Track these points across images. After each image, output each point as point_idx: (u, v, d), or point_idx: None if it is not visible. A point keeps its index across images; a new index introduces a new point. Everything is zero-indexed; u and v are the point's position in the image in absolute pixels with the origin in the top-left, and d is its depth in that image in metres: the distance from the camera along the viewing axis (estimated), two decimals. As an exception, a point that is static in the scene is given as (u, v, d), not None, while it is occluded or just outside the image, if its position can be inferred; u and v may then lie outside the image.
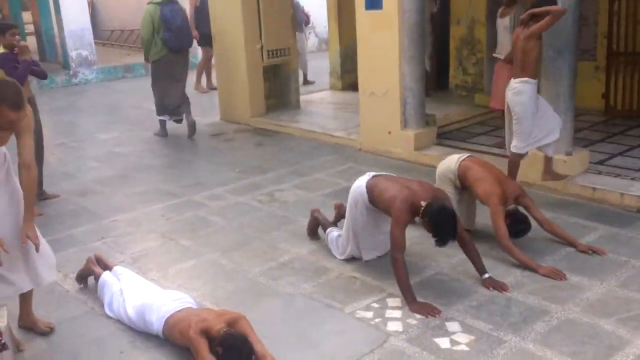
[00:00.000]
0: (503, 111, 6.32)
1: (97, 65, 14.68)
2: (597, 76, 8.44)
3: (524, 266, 4.47)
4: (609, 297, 4.08)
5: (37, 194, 6.09)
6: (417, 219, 4.26)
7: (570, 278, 4.33)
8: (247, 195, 6.32)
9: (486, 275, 4.32)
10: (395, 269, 4.11)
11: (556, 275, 4.34)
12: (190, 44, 8.77)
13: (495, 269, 4.49)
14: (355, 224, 4.66)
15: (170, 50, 8.43)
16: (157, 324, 3.78)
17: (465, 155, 5.05)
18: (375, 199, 4.47)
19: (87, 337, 3.90)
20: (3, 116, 3.25)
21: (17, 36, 5.82)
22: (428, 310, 3.98)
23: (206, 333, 3.47)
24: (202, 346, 3.42)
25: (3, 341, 2.95)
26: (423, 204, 4.10)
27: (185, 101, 8.70)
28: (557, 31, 5.69)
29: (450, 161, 5.05)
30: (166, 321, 3.73)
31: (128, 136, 9.18)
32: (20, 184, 3.57)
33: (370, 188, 4.52)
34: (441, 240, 4.07)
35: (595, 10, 8.32)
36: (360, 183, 4.60)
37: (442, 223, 4.02)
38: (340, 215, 5.10)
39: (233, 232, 5.45)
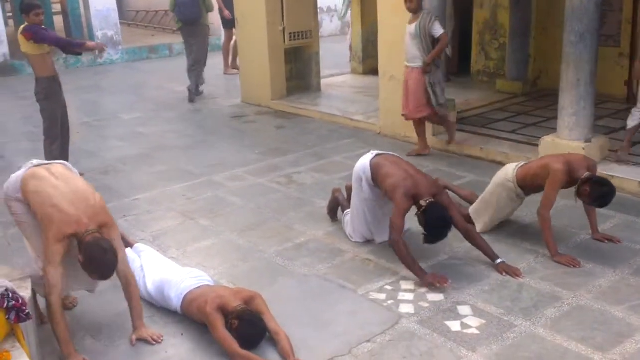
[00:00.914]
0: (416, 120, 6.67)
1: (122, 45, 14.81)
2: (621, 63, 8.34)
3: (545, 243, 4.47)
4: (621, 284, 4.10)
5: None
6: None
7: (584, 265, 4.35)
8: (265, 177, 6.41)
9: (499, 261, 4.37)
10: (397, 251, 4.22)
11: (570, 263, 4.35)
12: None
13: (507, 255, 4.53)
14: (362, 203, 4.75)
15: (181, 21, 9.81)
16: (175, 300, 3.89)
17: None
18: (378, 180, 4.57)
19: (109, 311, 4.04)
20: (91, 277, 3.53)
21: (41, 17, 5.92)
22: (438, 280, 4.11)
23: (222, 309, 3.57)
24: (218, 322, 3.52)
25: (27, 311, 3.06)
26: (424, 202, 4.20)
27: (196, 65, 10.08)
28: (579, 15, 5.65)
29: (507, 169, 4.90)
30: (184, 297, 3.84)
31: (151, 116, 9.31)
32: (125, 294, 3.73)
33: (374, 167, 4.61)
34: (430, 241, 4.26)
35: (621, -4, 8.21)
36: (365, 161, 4.70)
37: (438, 229, 4.18)
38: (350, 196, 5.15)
39: (251, 212, 5.55)
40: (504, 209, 4.84)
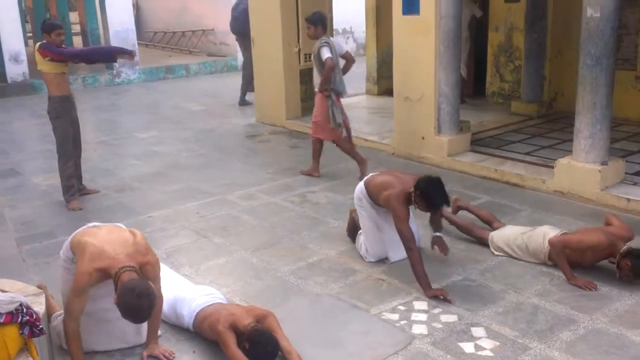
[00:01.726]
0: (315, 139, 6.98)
1: (140, 65, 15.01)
2: (637, 86, 8.31)
3: (561, 270, 4.42)
4: (638, 308, 4.05)
5: (77, 189, 6.31)
6: (412, 206, 4.46)
7: (600, 288, 4.30)
8: (279, 196, 6.42)
9: (437, 234, 4.63)
10: (412, 260, 4.34)
11: (587, 286, 4.30)
12: (244, 30, 10.46)
13: (523, 277, 4.50)
14: (370, 222, 4.81)
15: (233, 33, 11.50)
16: (187, 317, 3.89)
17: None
18: (373, 196, 4.72)
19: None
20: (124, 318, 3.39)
21: (62, 36, 6.00)
22: (442, 293, 4.22)
23: (234, 327, 3.56)
24: (230, 340, 3.51)
25: (41, 326, 3.08)
26: (411, 190, 4.38)
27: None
28: (595, 39, 5.65)
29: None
30: (197, 315, 3.84)
31: (167, 135, 9.39)
32: None
33: (367, 184, 4.80)
34: (435, 207, 4.41)
35: (637, 19, 8.20)
36: (360, 182, 4.92)
37: (432, 190, 4.30)
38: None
39: (264, 231, 5.55)
40: (522, 258, 4.79)
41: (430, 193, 4.30)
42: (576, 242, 4.40)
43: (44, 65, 6.00)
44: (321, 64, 6.68)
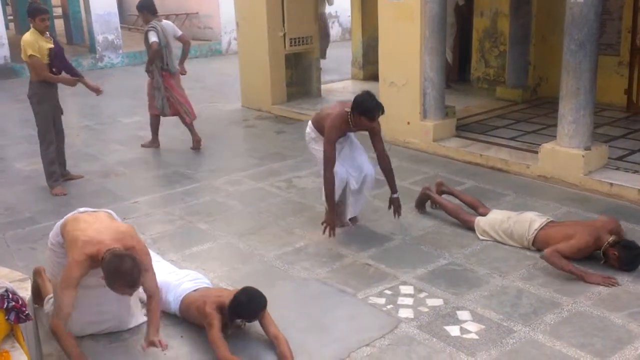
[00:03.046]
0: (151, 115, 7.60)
1: (123, 49, 14.84)
2: (620, 71, 8.36)
3: (569, 274, 4.28)
4: (620, 291, 4.11)
5: (60, 174, 6.25)
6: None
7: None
8: (265, 181, 6.41)
9: (395, 195, 4.89)
10: (326, 184, 4.78)
11: (607, 282, 4.20)
12: None
13: (507, 261, 4.54)
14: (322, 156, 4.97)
15: None
16: (174, 303, 3.89)
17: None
18: (319, 127, 4.96)
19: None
20: (120, 291, 3.36)
21: (46, 22, 5.91)
22: (332, 222, 4.77)
23: (221, 308, 3.57)
24: (216, 321, 3.53)
25: (27, 312, 3.06)
26: (347, 109, 4.68)
27: None
28: (579, 24, 5.68)
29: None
30: (182, 300, 3.84)
31: (151, 120, 9.29)
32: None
33: (313, 120, 5.06)
34: (370, 114, 4.63)
35: (620, 4, 8.24)
36: (308, 121, 5.19)
37: (366, 102, 4.61)
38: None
39: (250, 216, 5.55)
40: (507, 242, 4.82)
41: (363, 103, 4.60)
42: (569, 250, 4.33)
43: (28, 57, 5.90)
44: (149, 46, 7.29)
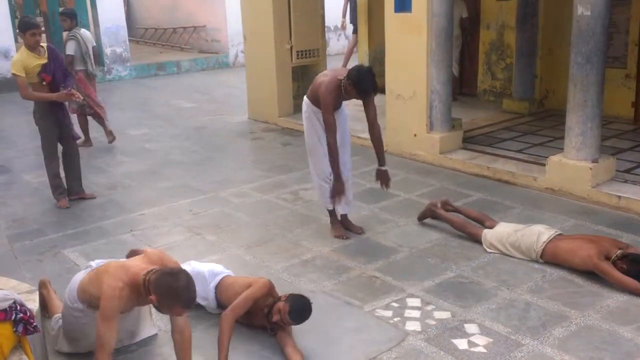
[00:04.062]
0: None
1: (131, 62, 14.94)
2: (627, 84, 8.36)
3: (627, 291, 4.22)
4: (629, 304, 4.08)
5: (64, 188, 6.21)
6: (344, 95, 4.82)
7: (592, 285, 4.33)
8: (272, 193, 6.42)
9: (383, 168, 4.93)
10: (330, 151, 4.83)
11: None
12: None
13: (514, 273, 4.53)
14: (313, 137, 5.08)
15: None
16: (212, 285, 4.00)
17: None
18: (313, 99, 4.95)
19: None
20: (174, 312, 3.11)
21: (36, 37, 5.78)
22: (340, 190, 4.85)
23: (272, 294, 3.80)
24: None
25: (35, 324, 3.07)
26: (340, 77, 4.66)
27: None
28: (585, 37, 5.68)
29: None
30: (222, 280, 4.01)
31: (158, 132, 9.36)
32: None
33: (308, 95, 5.04)
34: (366, 92, 4.70)
35: (626, 17, 8.25)
36: (304, 98, 5.14)
37: (361, 77, 4.62)
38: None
39: (257, 228, 5.55)
40: (515, 255, 4.80)
41: (360, 79, 4.61)
42: (597, 253, 4.34)
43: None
44: (65, 55, 7.85)
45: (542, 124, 8.43)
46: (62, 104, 6.10)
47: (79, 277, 3.51)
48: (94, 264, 3.58)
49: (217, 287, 4.01)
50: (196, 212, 5.97)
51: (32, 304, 3.32)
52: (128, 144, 8.80)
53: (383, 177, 5.03)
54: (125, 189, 6.80)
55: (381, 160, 5.04)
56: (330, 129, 4.80)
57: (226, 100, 11.71)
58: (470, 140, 7.60)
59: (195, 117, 10.31)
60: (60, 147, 6.27)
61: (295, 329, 3.88)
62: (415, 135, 7.34)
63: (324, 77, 4.92)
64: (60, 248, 5.24)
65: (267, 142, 8.67)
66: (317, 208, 5.95)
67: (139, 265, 3.15)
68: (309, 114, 5.08)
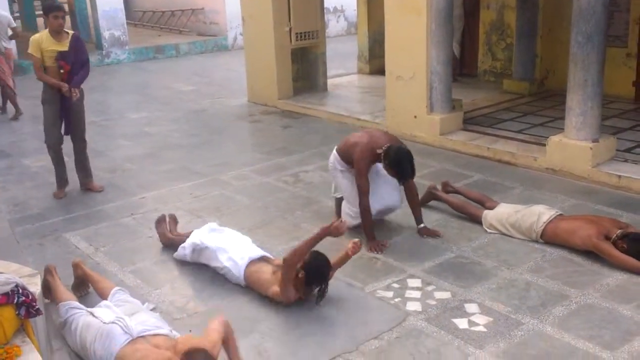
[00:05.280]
0: None
1: (129, 45, 14.87)
2: (628, 63, 8.32)
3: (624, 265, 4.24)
4: (629, 283, 4.09)
5: (65, 180, 6.10)
6: (378, 163, 4.73)
7: (592, 265, 4.34)
8: (272, 176, 6.42)
9: (421, 225, 4.84)
10: (363, 215, 4.73)
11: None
12: None
13: (515, 253, 4.54)
14: (349, 183, 4.94)
15: None
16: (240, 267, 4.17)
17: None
18: (345, 158, 4.89)
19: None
20: None
21: (59, 20, 5.65)
22: (377, 247, 4.62)
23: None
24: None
25: (37, 306, 3.08)
26: (379, 151, 4.58)
27: None
28: (586, 16, 5.65)
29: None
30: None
31: (158, 116, 9.34)
32: None
33: (339, 150, 4.99)
34: (403, 179, 4.67)
35: (628, -4, 8.20)
36: (333, 151, 5.12)
37: (400, 162, 4.56)
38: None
39: (258, 211, 5.56)
40: (515, 235, 4.82)
41: (399, 165, 4.55)
42: (597, 233, 4.35)
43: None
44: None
45: (543, 104, 8.41)
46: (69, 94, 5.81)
47: (117, 343, 3.30)
48: (136, 333, 3.34)
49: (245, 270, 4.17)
50: (196, 195, 5.98)
51: (34, 287, 3.33)
52: (127, 127, 8.79)
53: (427, 232, 4.87)
54: (126, 173, 6.80)
55: (418, 220, 4.91)
56: (362, 191, 4.69)
57: (225, 83, 11.67)
58: (471, 121, 7.59)
59: (195, 100, 10.29)
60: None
61: (297, 310, 3.90)
62: (415, 116, 7.32)
63: (359, 139, 4.80)
64: (61, 232, 5.25)
65: (266, 124, 8.65)
66: (317, 190, 5.96)
67: (174, 347, 3.13)
68: (341, 170, 4.98)
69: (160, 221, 4.94)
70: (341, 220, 4.16)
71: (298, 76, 9.77)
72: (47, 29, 5.77)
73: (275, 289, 3.95)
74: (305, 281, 3.86)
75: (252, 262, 4.20)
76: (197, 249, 4.49)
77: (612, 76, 7.63)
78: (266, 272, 4.10)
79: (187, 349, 3.02)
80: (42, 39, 5.74)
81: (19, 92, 9.73)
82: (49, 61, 5.74)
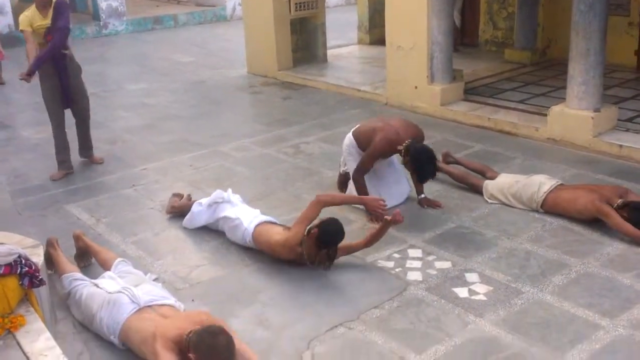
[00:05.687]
0: None
1: (127, 16, 14.71)
2: (631, 32, 8.25)
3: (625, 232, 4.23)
4: (629, 252, 4.11)
5: (69, 163, 5.94)
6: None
7: (592, 234, 4.36)
8: (272, 147, 6.41)
9: (422, 196, 4.85)
10: (355, 184, 4.72)
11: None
12: None
13: (516, 223, 4.55)
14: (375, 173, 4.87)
15: None
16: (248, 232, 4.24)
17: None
18: (363, 144, 4.81)
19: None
20: None
21: None
22: (375, 204, 4.31)
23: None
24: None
25: (40, 277, 3.10)
26: (400, 147, 4.53)
27: None
28: (589, -16, 5.59)
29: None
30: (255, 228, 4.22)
31: (157, 87, 9.28)
32: None
33: (356, 134, 4.89)
34: (423, 179, 4.68)
35: (632, -37, 8.09)
36: (349, 133, 4.97)
37: (422, 164, 4.50)
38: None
39: (258, 182, 5.56)
40: (515, 206, 4.81)
41: (422, 166, 4.50)
42: (599, 198, 4.35)
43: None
44: None
45: (544, 73, 8.36)
46: (65, 67, 5.67)
47: (124, 311, 3.31)
48: (143, 302, 3.36)
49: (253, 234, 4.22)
50: (197, 167, 5.97)
51: (37, 257, 3.36)
52: (126, 98, 8.74)
53: (428, 202, 4.86)
54: (125, 144, 6.78)
55: (419, 191, 4.91)
56: (361, 169, 4.70)
57: (224, 54, 11.57)
58: (472, 92, 7.55)
59: (194, 71, 10.22)
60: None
61: (299, 280, 3.93)
62: (416, 87, 7.28)
63: (381, 123, 4.73)
64: (62, 203, 5.26)
65: (266, 96, 8.61)
66: (318, 161, 5.96)
67: (184, 327, 3.05)
68: (352, 155, 4.91)
69: (175, 195, 5.02)
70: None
71: (297, 47, 9.68)
72: (34, 4, 5.57)
73: (282, 236, 4.03)
74: (316, 239, 3.87)
75: (263, 223, 4.28)
76: (215, 204, 4.54)
77: (614, 45, 7.57)
78: (276, 230, 4.17)
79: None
80: (31, 15, 5.54)
81: (17, 63, 9.66)
82: (39, 38, 5.56)
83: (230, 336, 2.94)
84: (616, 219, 4.25)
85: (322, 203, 4.07)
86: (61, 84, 5.72)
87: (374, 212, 4.13)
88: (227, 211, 4.45)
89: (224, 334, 2.91)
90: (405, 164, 4.60)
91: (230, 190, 4.66)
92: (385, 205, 4.18)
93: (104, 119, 7.70)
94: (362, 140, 4.81)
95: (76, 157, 6.15)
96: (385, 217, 4.05)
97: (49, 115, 5.89)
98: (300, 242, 3.93)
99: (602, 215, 4.31)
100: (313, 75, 9.02)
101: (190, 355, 2.89)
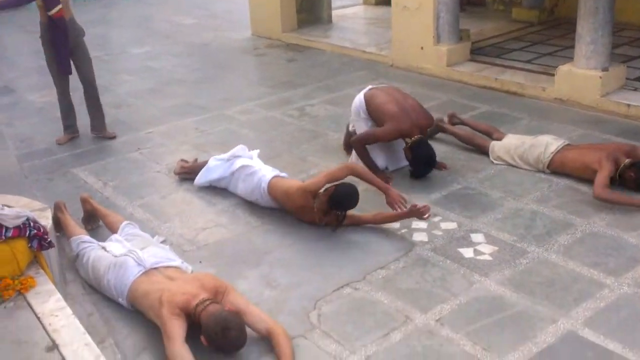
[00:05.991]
0: None
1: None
2: (641, -11, 8.11)
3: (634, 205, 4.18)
4: (635, 211, 4.10)
5: (75, 128, 5.91)
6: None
7: (598, 193, 4.35)
8: (277, 110, 6.38)
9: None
10: (356, 150, 4.74)
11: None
12: None
13: (522, 184, 4.55)
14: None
15: None
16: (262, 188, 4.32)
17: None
18: (371, 110, 4.77)
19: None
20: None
21: None
22: (397, 199, 4.05)
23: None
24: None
25: (49, 239, 3.13)
26: (408, 140, 4.57)
27: None
28: (600, -60, 5.46)
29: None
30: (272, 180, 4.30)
31: (160, 50, 9.21)
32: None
33: (368, 100, 4.80)
34: (415, 175, 4.72)
35: None
36: (359, 95, 4.91)
37: (421, 164, 4.63)
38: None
39: (264, 145, 5.54)
40: (522, 167, 4.79)
41: (418, 166, 4.66)
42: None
43: None
44: None
45: (552, 32, 8.25)
46: (65, 35, 5.50)
47: (130, 274, 3.33)
48: (149, 264, 3.37)
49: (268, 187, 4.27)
50: (202, 130, 5.96)
51: (45, 220, 3.38)
52: (130, 62, 8.69)
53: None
54: (130, 108, 6.77)
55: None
56: (364, 140, 4.70)
57: (228, 16, 11.45)
58: (479, 52, 7.46)
59: (197, 34, 10.13)
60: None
61: (304, 241, 3.95)
62: (422, 48, 7.20)
63: (397, 108, 4.61)
64: (69, 167, 5.28)
65: (271, 58, 8.53)
66: (324, 123, 5.94)
67: (191, 292, 3.05)
68: (360, 116, 4.87)
69: (183, 160, 5.04)
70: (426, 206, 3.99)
71: (302, 8, 9.55)
72: None
73: (300, 184, 4.12)
74: (330, 197, 3.90)
75: (282, 177, 4.36)
76: (235, 158, 4.59)
77: (623, 3, 7.45)
78: (294, 182, 4.27)
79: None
80: None
81: (21, 25, 9.59)
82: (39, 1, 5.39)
83: (242, 327, 2.93)
84: (600, 175, 4.19)
85: (350, 170, 4.10)
86: (63, 51, 5.58)
87: (390, 206, 4.05)
88: (246, 162, 4.52)
89: (235, 330, 2.88)
90: (405, 152, 4.66)
91: (258, 151, 4.73)
92: (406, 206, 4.04)
93: (108, 83, 7.66)
94: (373, 110, 4.77)
95: (82, 121, 6.12)
96: (412, 206, 3.94)
97: (53, 81, 5.83)
98: (315, 194, 3.97)
99: (599, 168, 4.26)
100: (318, 37, 8.92)
101: (202, 337, 2.91)
